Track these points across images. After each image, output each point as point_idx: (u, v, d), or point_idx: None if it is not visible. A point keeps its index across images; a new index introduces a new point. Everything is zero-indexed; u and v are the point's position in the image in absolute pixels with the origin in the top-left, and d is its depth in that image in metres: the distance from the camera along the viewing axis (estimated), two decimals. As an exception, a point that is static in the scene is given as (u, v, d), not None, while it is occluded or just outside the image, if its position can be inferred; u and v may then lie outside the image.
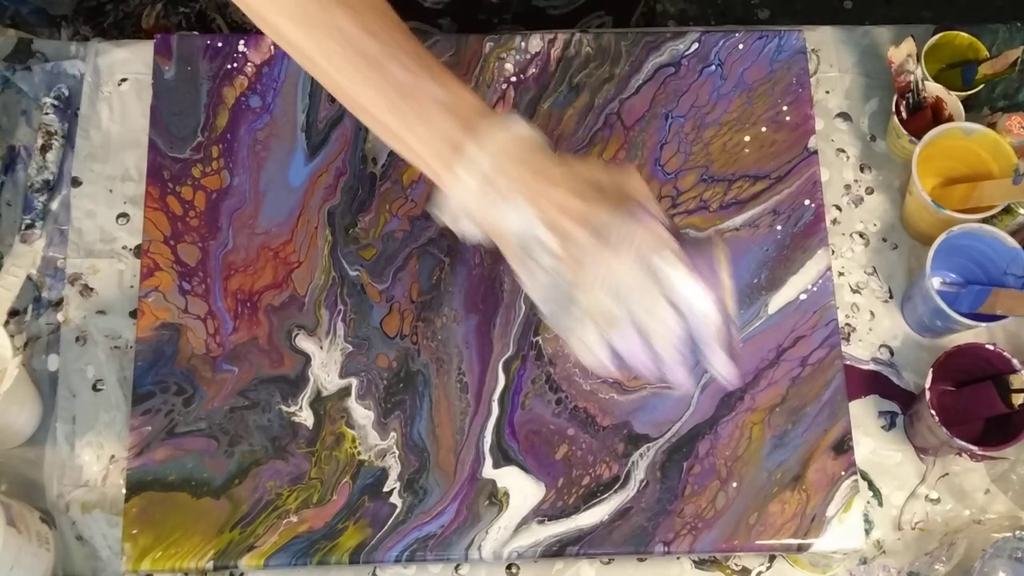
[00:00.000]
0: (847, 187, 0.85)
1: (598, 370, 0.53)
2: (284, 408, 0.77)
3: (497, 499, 0.75)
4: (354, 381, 0.77)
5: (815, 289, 0.80)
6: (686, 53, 0.86)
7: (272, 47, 0.85)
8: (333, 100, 0.84)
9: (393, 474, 0.75)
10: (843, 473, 0.75)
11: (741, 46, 0.86)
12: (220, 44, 0.85)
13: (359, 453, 0.76)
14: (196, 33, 0.89)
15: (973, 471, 0.79)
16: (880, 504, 0.78)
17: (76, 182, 0.84)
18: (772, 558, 0.77)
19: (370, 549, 0.74)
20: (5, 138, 0.86)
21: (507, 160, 0.52)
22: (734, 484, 0.75)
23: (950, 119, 0.82)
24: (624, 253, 0.51)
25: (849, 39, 0.89)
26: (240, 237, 0.81)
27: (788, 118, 0.84)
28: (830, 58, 0.89)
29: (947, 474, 0.78)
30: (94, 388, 0.79)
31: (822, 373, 0.78)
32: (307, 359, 0.78)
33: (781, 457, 0.76)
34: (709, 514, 0.75)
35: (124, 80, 0.86)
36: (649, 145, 0.84)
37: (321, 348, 0.78)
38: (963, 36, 0.85)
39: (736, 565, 0.77)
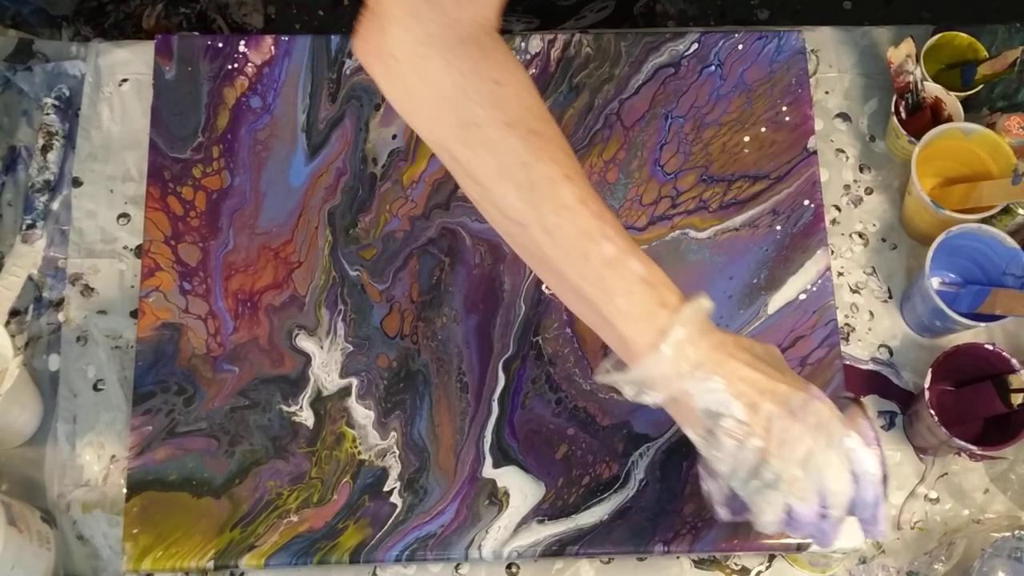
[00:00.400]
0: (846, 187, 0.85)
1: (771, 529, 0.57)
2: (284, 408, 0.77)
3: (497, 499, 0.75)
4: (354, 381, 0.78)
5: (814, 289, 0.80)
6: (686, 53, 0.86)
7: (272, 47, 0.85)
8: (333, 100, 0.84)
9: (393, 474, 0.76)
10: (842, 473, 0.75)
11: (741, 46, 0.86)
12: (221, 45, 0.85)
13: (359, 453, 0.76)
14: (197, 34, 0.90)
15: (972, 471, 0.79)
16: (879, 504, 0.78)
17: (77, 182, 0.84)
18: (772, 557, 0.77)
19: (370, 549, 0.74)
20: (6, 138, 0.86)
21: (697, 333, 0.55)
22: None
23: (949, 119, 0.82)
24: (811, 426, 0.55)
25: (848, 39, 0.90)
26: (240, 237, 0.81)
27: (787, 118, 0.84)
28: (829, 58, 0.89)
29: (946, 474, 0.79)
30: (95, 388, 0.79)
31: (821, 373, 0.78)
32: (307, 359, 0.78)
33: (781, 457, 0.76)
34: (709, 514, 0.74)
35: (125, 80, 0.86)
36: (649, 145, 0.84)
37: (321, 348, 0.78)
38: (962, 36, 0.85)
39: (736, 565, 0.77)
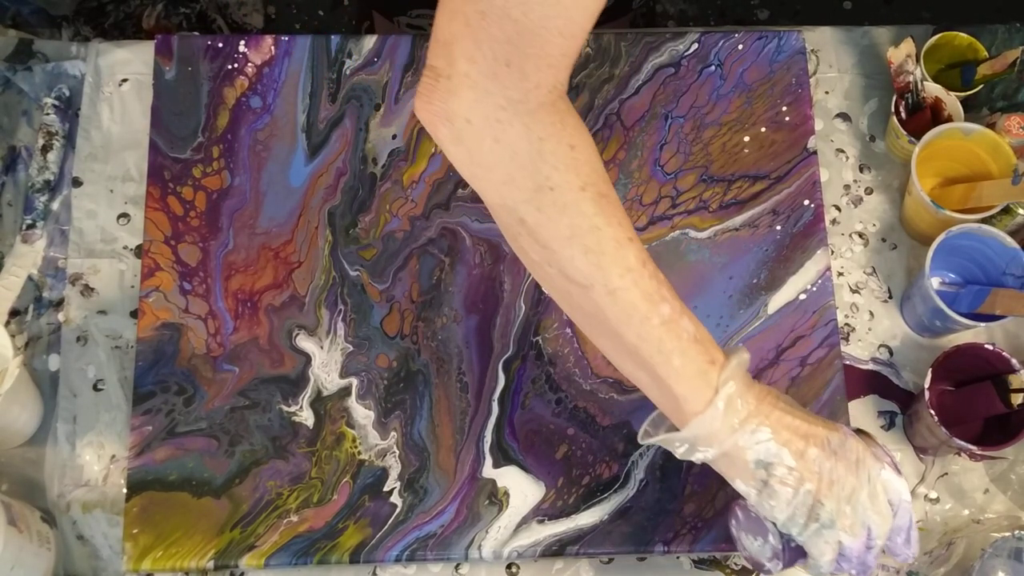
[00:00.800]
0: (846, 187, 0.86)
1: (828, 569, 0.59)
2: (285, 408, 0.77)
3: (497, 499, 0.75)
4: (354, 381, 0.78)
5: (814, 289, 0.80)
6: (686, 53, 0.86)
7: (272, 47, 0.85)
8: (333, 100, 0.84)
9: (393, 474, 0.76)
10: (842, 473, 0.75)
11: (741, 46, 0.86)
12: (220, 45, 0.85)
13: (359, 453, 0.76)
14: (197, 34, 0.90)
15: (972, 471, 0.79)
16: (879, 504, 0.78)
17: (77, 182, 0.84)
18: (772, 557, 0.77)
19: (370, 548, 0.74)
20: (6, 138, 0.86)
21: (744, 387, 0.57)
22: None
23: (949, 119, 0.82)
24: (851, 463, 0.58)
25: (848, 39, 0.90)
26: (240, 237, 0.81)
27: (787, 118, 0.84)
28: (829, 58, 0.89)
29: (946, 474, 0.79)
30: (95, 388, 0.79)
31: (821, 373, 0.78)
32: (307, 359, 0.78)
33: (781, 457, 0.76)
34: (709, 514, 0.75)
35: (125, 80, 0.86)
36: (649, 145, 0.84)
37: (321, 348, 0.78)
38: (962, 36, 0.85)
39: (736, 565, 0.77)
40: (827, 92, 0.88)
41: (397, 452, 0.76)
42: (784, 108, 0.85)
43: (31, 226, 0.83)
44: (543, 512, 0.75)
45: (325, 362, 0.78)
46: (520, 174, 0.55)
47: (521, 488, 0.75)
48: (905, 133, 0.82)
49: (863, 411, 0.80)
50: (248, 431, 0.76)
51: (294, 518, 0.74)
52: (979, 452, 0.74)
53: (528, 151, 0.54)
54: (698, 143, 0.84)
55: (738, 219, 0.82)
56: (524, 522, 0.75)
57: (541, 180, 0.55)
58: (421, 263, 0.81)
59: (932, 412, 0.72)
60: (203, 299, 0.79)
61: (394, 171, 0.83)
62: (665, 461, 0.76)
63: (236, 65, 0.85)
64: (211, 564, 0.73)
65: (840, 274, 0.83)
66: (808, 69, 0.86)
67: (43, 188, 0.84)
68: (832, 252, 0.83)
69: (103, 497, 0.77)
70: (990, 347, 0.74)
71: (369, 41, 0.86)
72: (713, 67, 0.86)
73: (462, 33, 0.52)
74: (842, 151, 0.87)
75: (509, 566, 0.76)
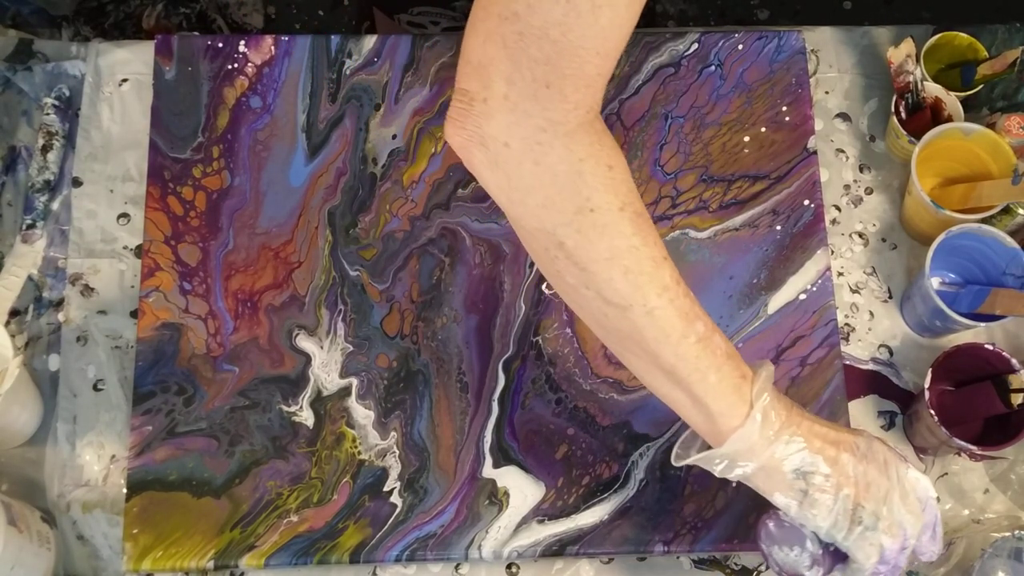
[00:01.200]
0: (846, 187, 0.85)
1: (872, 569, 0.59)
2: (284, 408, 0.77)
3: (497, 499, 0.75)
4: (354, 381, 0.78)
5: (814, 289, 0.80)
6: (686, 53, 0.86)
7: (272, 47, 0.85)
8: (333, 100, 0.84)
9: (393, 474, 0.76)
10: (842, 473, 0.75)
11: (741, 46, 0.86)
12: (220, 45, 0.85)
13: (359, 453, 0.76)
14: (196, 34, 0.90)
15: (972, 471, 0.79)
16: (879, 504, 0.78)
17: (77, 182, 0.84)
18: (772, 557, 0.77)
19: (370, 548, 0.74)
20: (6, 138, 0.86)
21: (774, 399, 0.58)
22: (733, 484, 0.75)
23: (949, 119, 0.82)
24: (880, 465, 0.59)
25: (848, 39, 0.90)
26: (240, 237, 0.81)
27: (787, 118, 0.84)
28: (829, 58, 0.89)
29: (946, 474, 0.79)
30: (95, 388, 0.79)
31: (821, 373, 0.78)
32: (307, 359, 0.78)
33: (781, 457, 0.76)
34: (709, 514, 0.75)
35: (125, 80, 0.86)
36: (649, 145, 0.84)
37: (321, 348, 0.78)
38: (962, 36, 0.85)
39: (736, 565, 0.77)
40: (827, 92, 0.88)
41: (397, 452, 0.76)
42: (784, 108, 0.85)
43: (31, 226, 0.83)
44: (543, 512, 0.75)
45: (325, 362, 0.78)
46: (560, 196, 0.54)
47: (521, 488, 0.75)
48: (905, 133, 0.82)
49: (863, 411, 0.80)
50: (248, 431, 0.76)
51: (294, 518, 0.74)
52: (979, 452, 0.74)
53: (568, 173, 0.54)
54: (698, 143, 0.84)
55: (738, 219, 0.82)
56: (524, 522, 0.75)
57: (581, 202, 0.54)
58: (421, 263, 0.81)
59: (932, 412, 0.72)
60: (203, 299, 0.79)
61: (394, 171, 0.83)
62: (665, 461, 0.76)
63: (236, 65, 0.85)
64: (211, 564, 0.73)
65: (840, 274, 0.83)
66: (808, 69, 0.86)
67: (43, 188, 0.84)
68: (832, 252, 0.83)
69: (103, 497, 0.77)
70: (990, 347, 0.74)
71: (369, 41, 0.86)
72: (713, 67, 0.86)
73: (499, 55, 0.51)
74: (842, 151, 0.87)
75: (509, 566, 0.76)
